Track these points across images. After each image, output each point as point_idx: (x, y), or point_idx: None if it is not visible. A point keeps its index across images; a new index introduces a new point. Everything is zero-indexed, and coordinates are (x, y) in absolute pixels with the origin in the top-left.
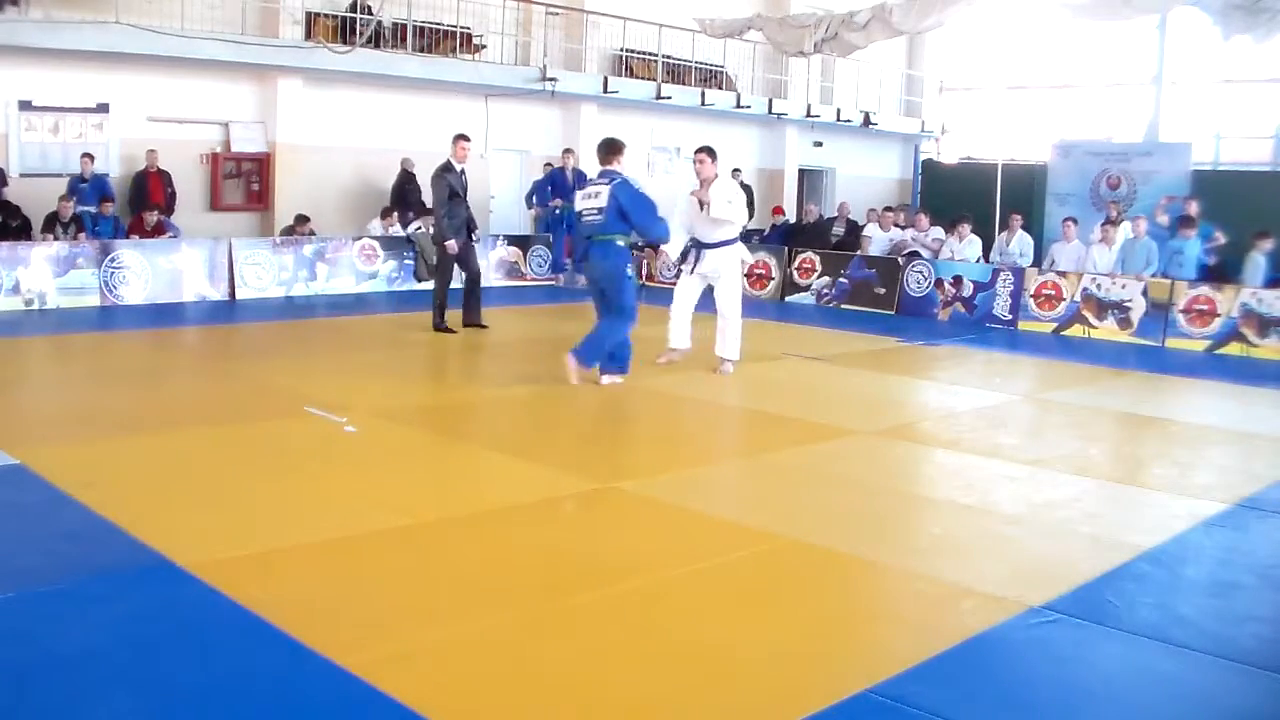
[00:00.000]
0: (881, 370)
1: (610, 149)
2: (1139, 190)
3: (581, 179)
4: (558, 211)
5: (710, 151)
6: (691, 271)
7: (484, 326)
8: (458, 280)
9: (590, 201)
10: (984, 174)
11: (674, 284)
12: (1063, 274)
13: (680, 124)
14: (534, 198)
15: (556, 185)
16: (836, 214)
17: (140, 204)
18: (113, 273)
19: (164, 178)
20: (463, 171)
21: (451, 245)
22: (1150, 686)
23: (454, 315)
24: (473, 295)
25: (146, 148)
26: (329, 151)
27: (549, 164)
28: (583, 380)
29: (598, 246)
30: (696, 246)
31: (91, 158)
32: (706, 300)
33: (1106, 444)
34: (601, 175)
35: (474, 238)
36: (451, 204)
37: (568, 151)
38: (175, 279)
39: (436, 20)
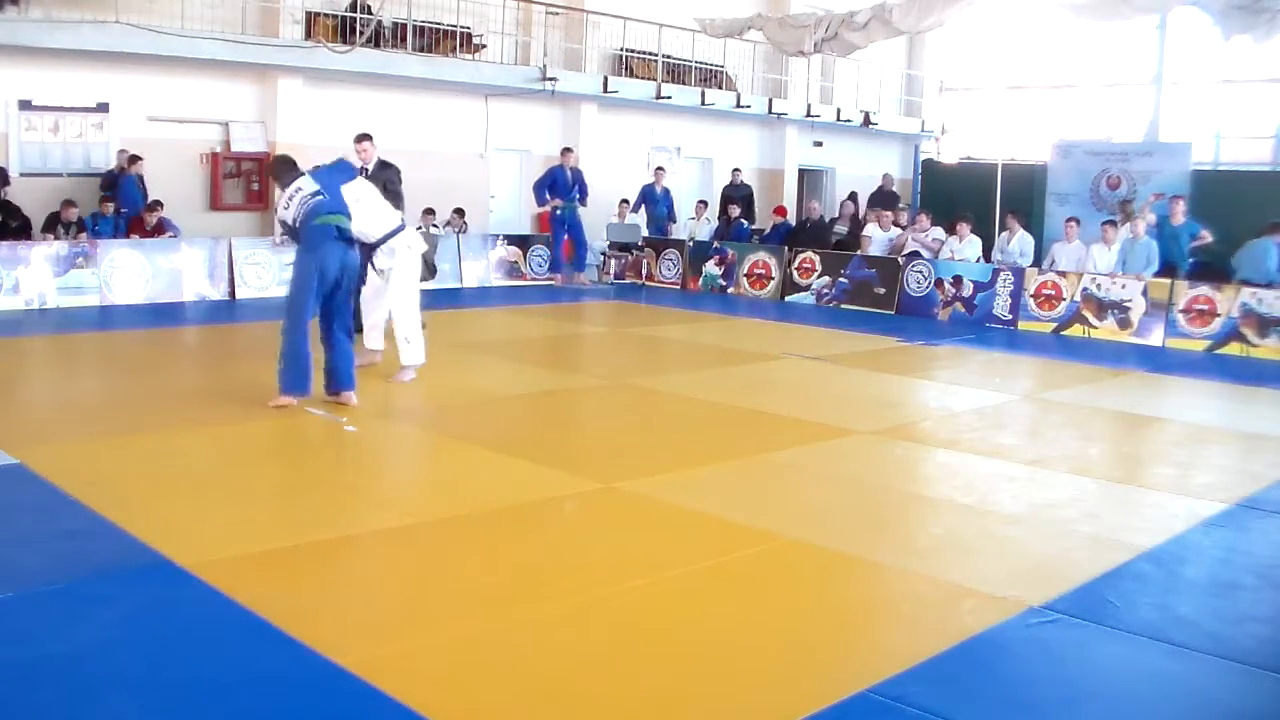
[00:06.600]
0: (881, 370)
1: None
2: (1139, 190)
3: (579, 178)
4: (558, 212)
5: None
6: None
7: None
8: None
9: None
10: (984, 174)
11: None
12: (1063, 274)
13: (680, 124)
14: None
15: (557, 184)
16: (839, 213)
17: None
18: (113, 272)
19: None
20: (364, 170)
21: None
22: (1150, 686)
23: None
24: None
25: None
26: (329, 151)
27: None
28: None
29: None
30: (369, 248)
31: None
32: None
33: (1106, 444)
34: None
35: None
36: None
37: (567, 150)
38: (175, 279)
39: (436, 20)
